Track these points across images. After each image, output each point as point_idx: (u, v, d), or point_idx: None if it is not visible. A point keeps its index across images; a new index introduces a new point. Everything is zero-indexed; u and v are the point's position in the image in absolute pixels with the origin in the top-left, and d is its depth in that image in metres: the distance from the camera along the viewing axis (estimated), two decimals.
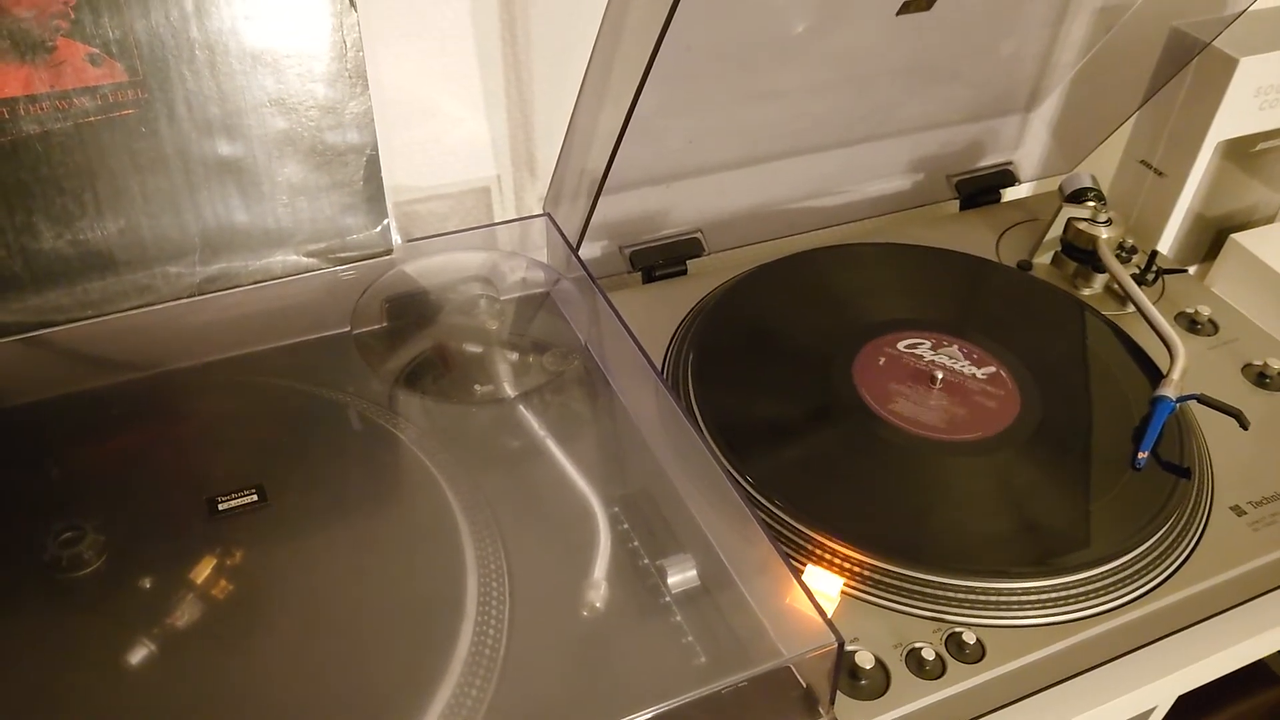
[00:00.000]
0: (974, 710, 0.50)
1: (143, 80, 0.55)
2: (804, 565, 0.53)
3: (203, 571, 0.49)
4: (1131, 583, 0.54)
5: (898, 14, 0.65)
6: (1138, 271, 0.74)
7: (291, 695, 0.45)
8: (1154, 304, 0.70)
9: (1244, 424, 0.62)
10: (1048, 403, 0.63)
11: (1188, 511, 0.57)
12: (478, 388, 0.62)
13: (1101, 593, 0.53)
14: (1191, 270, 0.84)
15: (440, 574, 0.50)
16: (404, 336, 0.64)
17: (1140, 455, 0.59)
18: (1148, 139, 0.84)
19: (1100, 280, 0.76)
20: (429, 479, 0.55)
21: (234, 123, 0.58)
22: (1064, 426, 0.62)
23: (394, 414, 0.59)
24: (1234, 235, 0.83)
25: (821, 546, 0.54)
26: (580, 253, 0.69)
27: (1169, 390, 0.62)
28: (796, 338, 0.68)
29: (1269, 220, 0.89)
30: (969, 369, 0.65)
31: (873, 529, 0.54)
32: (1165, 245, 0.85)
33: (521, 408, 0.60)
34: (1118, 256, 0.74)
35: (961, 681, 0.49)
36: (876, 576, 0.53)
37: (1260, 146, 0.83)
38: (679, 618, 0.49)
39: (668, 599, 0.50)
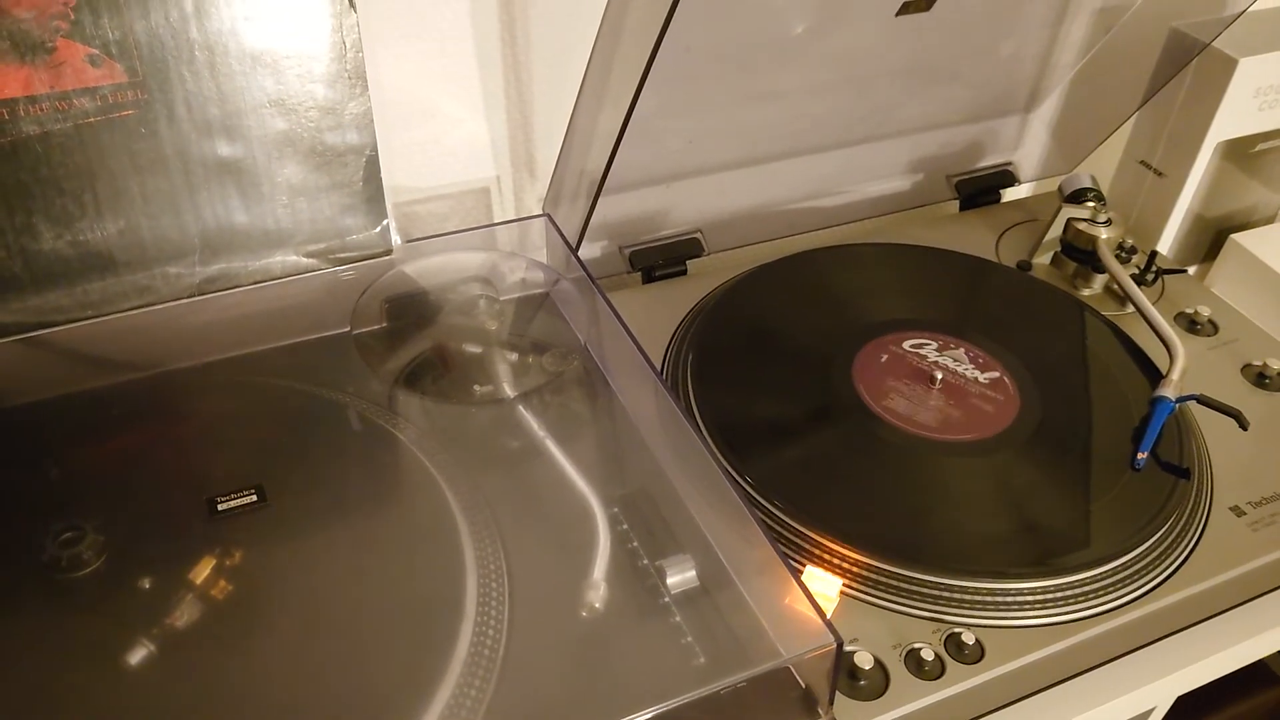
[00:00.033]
0: (973, 711, 0.50)
1: (142, 81, 0.55)
2: (803, 566, 0.53)
3: (202, 572, 0.49)
4: (1131, 583, 0.54)
5: (897, 15, 0.65)
6: (1137, 272, 0.74)
7: (291, 695, 0.45)
8: (1153, 304, 0.70)
9: (1243, 424, 0.62)
10: (1047, 403, 0.63)
11: (1187, 512, 0.57)
12: (477, 388, 0.62)
13: (1101, 593, 0.53)
14: (1191, 270, 0.84)
15: (440, 574, 0.50)
16: (404, 337, 0.64)
17: (1140, 455, 0.59)
18: (1147, 139, 0.84)
19: (1100, 280, 0.76)
20: (428, 479, 0.55)
21: (234, 123, 0.58)
22: (1063, 427, 0.62)
23: (394, 414, 0.59)
24: (1234, 235, 0.83)
25: (821, 547, 0.54)
26: (580, 253, 0.69)
27: (1168, 390, 0.62)
28: (796, 338, 0.68)
29: (1269, 220, 0.89)
30: (972, 371, 0.65)
31: (872, 529, 0.54)
32: (1165, 245, 0.85)
33: (521, 408, 0.60)
34: (1117, 257, 0.74)
35: (961, 682, 0.49)
36: (876, 577, 0.53)
37: (1260, 147, 0.83)
38: (678, 618, 0.49)
39: (667, 599, 0.50)
